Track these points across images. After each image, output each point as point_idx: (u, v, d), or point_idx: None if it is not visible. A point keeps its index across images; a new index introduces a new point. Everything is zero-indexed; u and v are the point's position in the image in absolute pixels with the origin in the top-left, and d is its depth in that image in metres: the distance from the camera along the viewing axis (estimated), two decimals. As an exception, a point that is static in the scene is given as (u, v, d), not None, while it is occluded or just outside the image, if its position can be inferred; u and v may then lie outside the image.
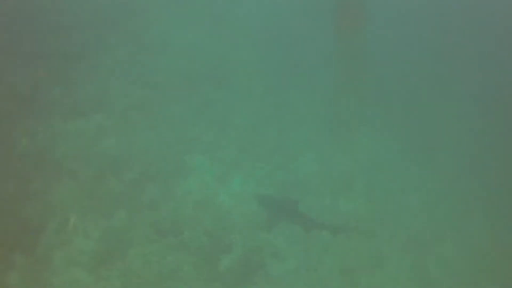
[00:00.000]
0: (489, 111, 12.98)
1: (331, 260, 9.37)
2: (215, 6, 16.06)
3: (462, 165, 11.50)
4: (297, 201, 10.09)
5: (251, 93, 13.00)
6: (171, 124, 11.55)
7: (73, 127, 10.92)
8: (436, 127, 12.47)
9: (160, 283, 8.34)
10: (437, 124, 12.60)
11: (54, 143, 10.42)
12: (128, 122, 11.36)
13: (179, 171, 10.47)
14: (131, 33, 14.22)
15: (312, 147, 11.63)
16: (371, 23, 15.68)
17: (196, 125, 11.64)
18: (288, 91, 13.19)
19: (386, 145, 11.91)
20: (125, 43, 13.79)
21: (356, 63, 14.67)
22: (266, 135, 11.79)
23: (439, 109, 13.02)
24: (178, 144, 11.05)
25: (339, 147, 11.75)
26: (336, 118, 12.65)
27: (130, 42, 13.88)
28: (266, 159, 11.15)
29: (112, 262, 8.41)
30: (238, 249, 9.17)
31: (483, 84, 13.71)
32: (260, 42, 14.75)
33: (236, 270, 8.82)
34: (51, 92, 11.64)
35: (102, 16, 14.56)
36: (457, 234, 10.09)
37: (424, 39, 15.32)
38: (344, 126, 12.43)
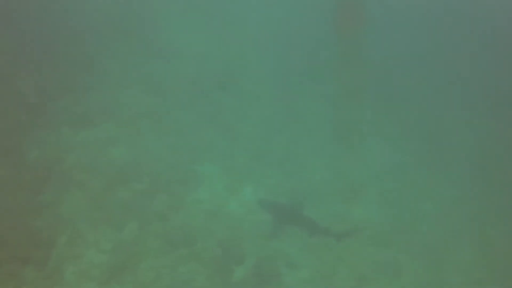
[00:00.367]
0: (504, 117, 12.81)
1: (346, 269, 9.22)
2: (225, 14, 16.01)
3: (478, 171, 11.33)
4: (309, 209, 9.92)
5: (261, 100, 12.89)
6: (181, 132, 11.45)
7: (83, 136, 10.85)
8: (450, 134, 12.31)
9: (173, 295, 8.23)
10: (451, 130, 12.44)
11: (63, 153, 10.34)
12: (138, 131, 11.27)
13: (190, 180, 10.35)
14: (141, 41, 14.18)
15: (323, 155, 11.49)
16: (382, 28, 15.58)
17: (206, 133, 11.53)
18: (298, 98, 13.08)
19: (398, 151, 11.76)
20: (135, 51, 13.74)
21: (368, 70, 14.52)
22: (277, 143, 11.67)
23: (453, 115, 12.87)
24: (188, 153, 10.94)
25: (351, 154, 11.61)
26: (347, 125, 12.52)
27: (140, 50, 13.83)
28: (277, 167, 11.03)
29: (124, 276, 8.30)
30: (251, 259, 9.03)
31: (497, 89, 13.56)
32: (269, 49, 14.66)
33: (250, 281, 8.67)
34: (61, 101, 11.58)
35: (111, 24, 14.53)
36: (474, 241, 9.92)
37: (437, 44, 15.20)
38: (355, 133, 12.29)
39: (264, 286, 8.68)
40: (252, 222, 9.70)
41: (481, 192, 10.95)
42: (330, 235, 9.52)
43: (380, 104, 13.16)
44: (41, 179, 9.68)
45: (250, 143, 11.49)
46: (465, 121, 12.75)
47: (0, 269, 7.90)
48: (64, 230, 8.77)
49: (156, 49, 13.94)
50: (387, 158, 11.53)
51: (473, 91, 13.65)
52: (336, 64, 14.37)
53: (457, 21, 16.11)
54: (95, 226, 9.00)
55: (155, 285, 8.27)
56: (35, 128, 10.81)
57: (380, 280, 9.11)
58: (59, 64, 12.77)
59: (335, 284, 8.97)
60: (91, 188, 9.72)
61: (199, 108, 12.19)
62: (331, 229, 9.44)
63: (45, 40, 13.41)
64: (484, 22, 16.04)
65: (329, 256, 9.44)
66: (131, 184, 9.98)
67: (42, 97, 11.63)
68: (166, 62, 13.50)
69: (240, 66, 13.94)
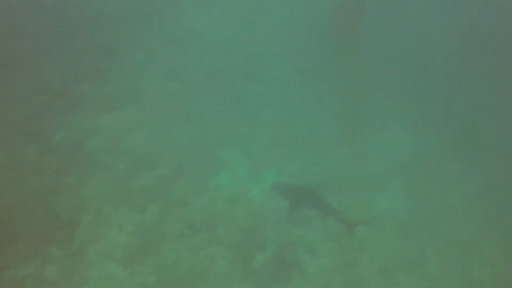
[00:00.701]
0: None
1: (368, 259, 9.07)
2: (246, 0, 15.88)
3: (505, 162, 11.00)
4: (331, 197, 9.80)
5: (283, 86, 12.77)
6: (203, 118, 11.43)
7: (106, 121, 10.93)
8: (478, 123, 11.97)
9: (193, 279, 8.21)
10: (479, 119, 12.09)
11: (87, 137, 10.44)
12: (160, 116, 11.30)
13: (211, 165, 10.33)
14: (163, 26, 14.20)
15: (346, 143, 11.31)
16: (410, 11, 15.20)
17: (228, 119, 11.49)
18: (321, 84, 12.90)
19: (424, 141, 11.49)
20: (157, 37, 13.77)
21: (392, 56, 14.21)
22: (299, 130, 11.54)
23: (481, 104, 12.51)
24: (210, 138, 10.92)
25: (375, 143, 11.40)
26: (371, 113, 12.28)
27: (162, 36, 13.85)
28: (299, 154, 10.91)
29: (146, 257, 8.34)
30: (272, 245, 8.97)
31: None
32: (291, 35, 14.49)
33: (271, 267, 8.61)
34: (84, 86, 11.69)
35: (134, 10, 14.58)
36: (500, 233, 9.64)
37: (467, 30, 14.78)
38: (380, 121, 12.05)
39: (285, 272, 8.61)
40: (274, 208, 9.63)
41: (509, 184, 10.63)
42: (353, 224, 9.39)
43: (405, 92, 12.89)
44: (65, 161, 9.80)
45: (272, 129, 11.40)
46: (492, 110, 12.38)
47: (25, 247, 8.03)
48: (87, 212, 8.86)
49: (179, 35, 13.93)
50: (412, 148, 11.28)
51: (500, 80, 13.23)
52: (362, 51, 14.11)
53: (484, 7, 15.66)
54: (118, 208, 9.07)
55: (176, 268, 8.28)
56: (60, 112, 10.93)
57: (403, 272, 8.93)
58: (82, 50, 12.89)
59: (357, 273, 8.83)
60: (114, 171, 9.79)
61: (221, 94, 12.15)
62: (354, 218, 9.30)
63: (69, 27, 13.55)
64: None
65: (351, 245, 9.30)
66: (154, 168, 10.01)
67: (66, 82, 11.75)
68: (189, 48, 13.48)
69: (262, 52, 13.83)
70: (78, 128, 10.59)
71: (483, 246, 9.51)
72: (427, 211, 10.08)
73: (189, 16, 14.84)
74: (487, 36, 14.79)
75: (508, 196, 10.42)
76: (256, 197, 9.82)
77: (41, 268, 7.79)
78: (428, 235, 9.59)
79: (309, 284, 8.47)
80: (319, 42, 14.48)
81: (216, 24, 14.70)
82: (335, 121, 11.90)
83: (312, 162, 10.78)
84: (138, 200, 9.29)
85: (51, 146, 10.06)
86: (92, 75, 12.04)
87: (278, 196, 9.76)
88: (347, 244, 9.29)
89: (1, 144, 9.72)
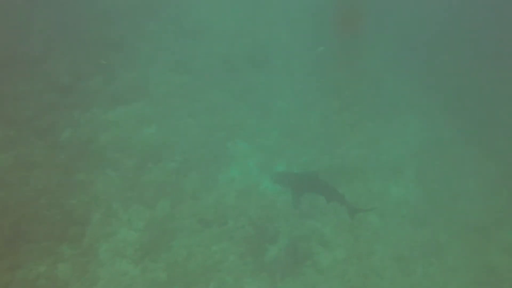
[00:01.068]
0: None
1: (383, 248, 8.93)
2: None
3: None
4: (344, 187, 9.61)
5: (292, 76, 12.54)
6: (212, 110, 11.27)
7: (114, 116, 10.83)
8: (494, 108, 11.64)
9: (205, 274, 8.15)
10: (495, 104, 11.76)
11: (96, 133, 10.36)
12: (169, 110, 11.16)
13: (221, 158, 10.21)
14: (170, 19, 14.02)
15: (358, 131, 11.10)
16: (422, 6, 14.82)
17: (238, 111, 11.32)
18: (332, 73, 12.63)
19: (438, 126, 11.22)
20: (165, 30, 13.60)
21: (405, 42, 13.86)
22: (310, 120, 11.33)
23: (497, 88, 12.15)
24: (219, 130, 10.77)
25: (387, 131, 11.16)
26: (383, 100, 12.00)
27: (170, 29, 13.67)
28: (311, 144, 10.72)
29: (157, 254, 8.28)
30: (284, 238, 8.86)
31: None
32: (300, 25, 14.22)
33: (283, 260, 8.51)
34: (92, 81, 11.59)
35: (141, 3, 14.40)
36: (520, 220, 9.41)
37: (482, 17, 14.35)
38: (392, 108, 11.78)
39: (298, 265, 8.50)
40: (285, 200, 9.48)
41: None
42: (367, 214, 9.22)
43: (418, 78, 12.57)
44: (75, 158, 9.75)
45: (283, 120, 11.22)
46: (507, 95, 12.02)
47: (37, 246, 8.02)
48: (98, 209, 8.81)
49: (187, 27, 13.74)
50: (425, 134, 11.04)
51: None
52: (373, 38, 13.78)
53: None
54: (128, 204, 9.00)
55: (187, 264, 8.22)
56: (68, 108, 10.87)
57: (419, 260, 8.78)
58: (90, 45, 12.77)
59: (372, 263, 8.70)
60: (123, 167, 9.72)
61: (230, 86, 11.97)
62: (368, 208, 9.12)
63: (77, 22, 13.42)
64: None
65: (365, 235, 9.17)
66: (163, 163, 9.92)
67: (74, 78, 11.67)
68: (197, 40, 13.29)
69: (271, 42, 13.60)
70: (86, 124, 10.52)
71: (500, 232, 9.30)
72: (442, 197, 9.88)
73: (197, 7, 14.63)
74: (502, 17, 14.31)
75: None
76: (267, 189, 9.69)
77: (53, 267, 7.78)
78: (443, 222, 9.40)
79: (323, 277, 8.36)
80: (328, 31, 14.17)
81: (224, 15, 14.49)
82: (346, 109, 11.67)
83: (324, 152, 10.59)
84: (148, 195, 9.22)
85: (60, 143, 10.01)
86: (100, 70, 11.93)
87: (283, 187, 9.56)
88: (361, 234, 9.15)
89: (10, 143, 9.70)
